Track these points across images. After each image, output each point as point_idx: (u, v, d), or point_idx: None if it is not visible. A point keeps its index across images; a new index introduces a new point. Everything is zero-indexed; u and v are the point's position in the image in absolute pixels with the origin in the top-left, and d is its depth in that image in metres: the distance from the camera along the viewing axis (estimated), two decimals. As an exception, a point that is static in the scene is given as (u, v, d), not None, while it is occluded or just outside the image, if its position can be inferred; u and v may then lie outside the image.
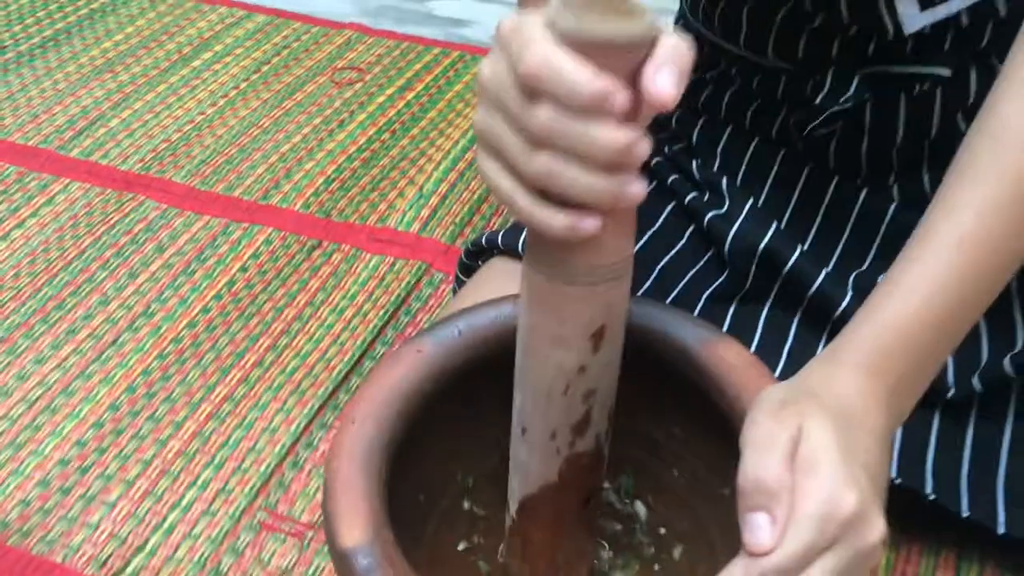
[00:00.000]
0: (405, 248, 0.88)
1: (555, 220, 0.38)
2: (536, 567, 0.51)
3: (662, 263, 0.72)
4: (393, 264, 0.88)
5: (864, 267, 0.70)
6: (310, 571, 0.66)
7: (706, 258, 0.71)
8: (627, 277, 0.44)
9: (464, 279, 0.75)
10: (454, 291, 0.79)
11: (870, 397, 0.45)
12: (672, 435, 0.59)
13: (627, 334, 0.50)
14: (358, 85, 1.05)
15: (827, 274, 0.67)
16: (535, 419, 0.47)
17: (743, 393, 0.50)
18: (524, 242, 0.66)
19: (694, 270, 0.72)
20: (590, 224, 0.38)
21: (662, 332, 0.53)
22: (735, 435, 0.50)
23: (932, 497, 0.58)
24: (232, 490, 0.71)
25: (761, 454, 0.40)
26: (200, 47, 1.16)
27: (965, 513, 0.57)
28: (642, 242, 0.71)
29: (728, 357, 0.51)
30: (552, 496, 0.49)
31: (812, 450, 0.40)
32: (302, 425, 0.75)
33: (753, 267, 0.69)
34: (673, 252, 0.71)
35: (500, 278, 0.67)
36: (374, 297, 0.85)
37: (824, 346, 0.67)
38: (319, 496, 0.71)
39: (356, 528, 0.45)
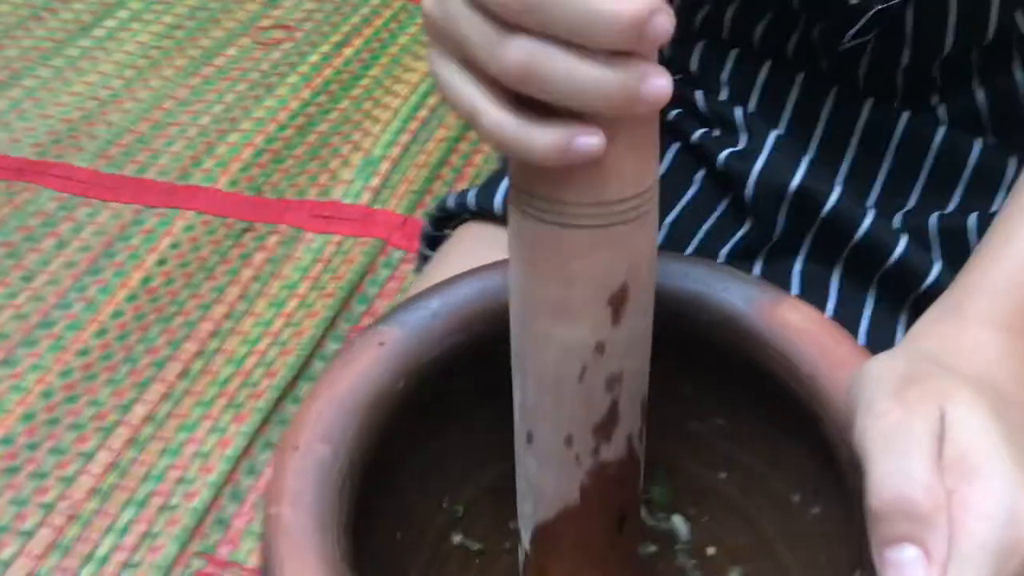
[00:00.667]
0: (354, 224, 0.76)
1: (541, 138, 0.30)
2: None
3: (670, 217, 0.61)
4: (341, 244, 0.75)
5: (911, 204, 0.59)
6: (263, 630, 0.54)
7: (723, 206, 0.60)
8: (652, 216, 0.34)
9: (430, 253, 0.63)
10: (418, 270, 0.67)
11: (1015, 361, 0.33)
12: (716, 427, 0.47)
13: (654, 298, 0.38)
14: (287, 44, 0.93)
15: (872, 216, 0.56)
16: (543, 420, 0.38)
17: (820, 367, 0.38)
18: (505, 194, 0.54)
19: (709, 222, 0.61)
20: (591, 141, 0.30)
21: (697, 294, 0.41)
22: (809, 424, 0.38)
23: None
24: (159, 534, 0.58)
25: (897, 458, 0.28)
26: (102, 14, 1.03)
27: None
28: None
29: (794, 321, 0.39)
30: (575, 521, 0.39)
31: (967, 445, 0.28)
32: (241, 447, 0.62)
33: (783, 213, 0.57)
34: (683, 202, 0.60)
35: (476, 247, 0.55)
36: (321, 284, 0.72)
37: (875, 304, 0.56)
38: (268, 534, 0.58)
39: (311, 602, 0.32)
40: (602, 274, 0.34)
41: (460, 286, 0.42)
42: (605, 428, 0.37)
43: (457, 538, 0.46)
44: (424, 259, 0.66)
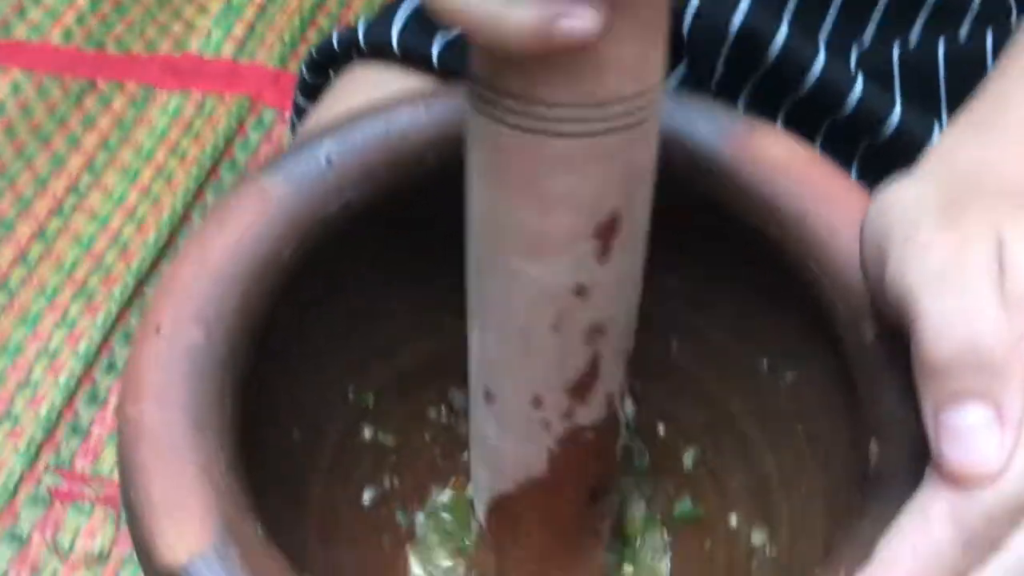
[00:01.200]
0: (217, 80, 0.66)
1: (517, 17, 0.23)
2: None
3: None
4: (202, 103, 0.65)
5: (866, 45, 0.53)
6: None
7: None
8: (654, 123, 0.29)
9: (307, 104, 0.54)
10: (293, 129, 0.59)
11: None
12: (669, 288, 0.40)
13: None
14: None
15: (824, 57, 0.50)
16: (506, 376, 0.33)
17: (809, 206, 0.32)
18: (405, 25, 0.46)
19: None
20: (582, 22, 0.23)
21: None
22: (790, 275, 0.33)
23: None
24: (0, 450, 0.49)
25: (959, 297, 0.22)
26: None
27: None
28: None
29: (774, 154, 0.33)
30: (541, 495, 0.35)
31: None
32: (96, 342, 0.54)
33: (722, 55, 0.51)
34: None
35: (368, 92, 0.47)
36: (180, 150, 0.63)
37: (822, 147, 0.51)
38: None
39: (188, 526, 0.25)
40: (589, 198, 0.28)
41: (358, 127, 0.34)
42: (581, 388, 0.32)
43: (368, 432, 0.40)
44: (299, 113, 0.57)
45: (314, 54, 0.51)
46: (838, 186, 0.32)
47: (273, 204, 0.32)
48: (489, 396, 0.34)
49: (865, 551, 0.24)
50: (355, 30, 0.48)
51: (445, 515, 0.41)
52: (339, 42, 0.49)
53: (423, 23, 0.48)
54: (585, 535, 0.37)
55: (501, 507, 0.36)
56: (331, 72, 0.52)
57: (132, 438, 0.26)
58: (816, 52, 0.51)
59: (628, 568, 0.40)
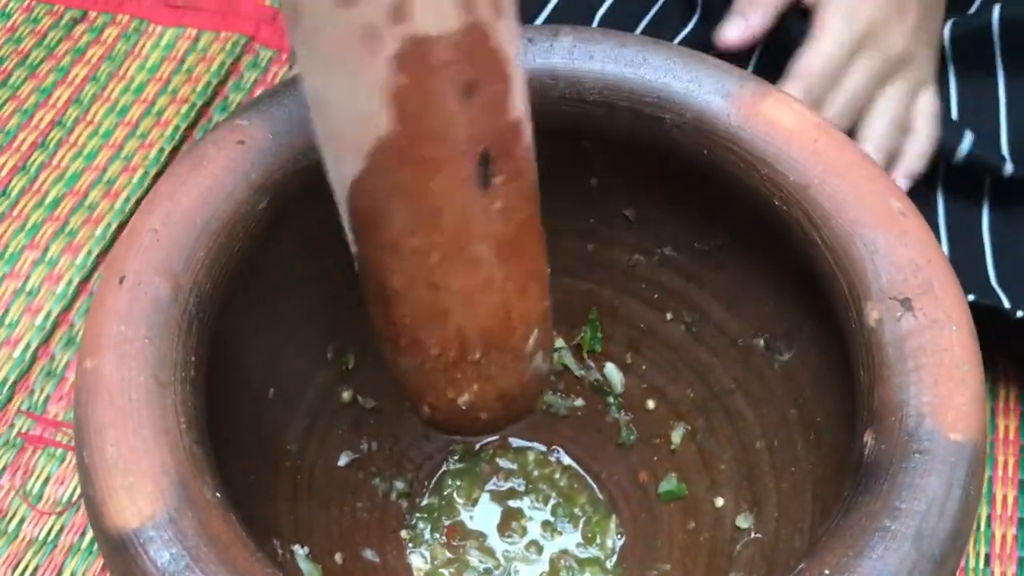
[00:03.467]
0: (212, 16, 0.64)
1: None
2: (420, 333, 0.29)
3: (600, 10, 0.52)
4: (196, 39, 0.63)
5: None
6: (107, 502, 0.45)
7: None
8: None
9: None
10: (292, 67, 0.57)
11: None
12: (665, 258, 0.40)
13: (586, 104, 0.33)
14: None
15: None
16: None
17: (814, 177, 0.31)
18: None
19: (649, 15, 0.52)
20: None
21: (658, 86, 0.33)
22: (792, 249, 0.32)
23: (1018, 314, 0.42)
24: (-28, 389, 0.49)
25: None
26: None
27: None
28: None
29: (783, 120, 0.32)
30: (397, 166, 0.25)
31: None
32: (76, 281, 0.53)
33: None
34: None
35: None
36: (172, 88, 0.61)
37: None
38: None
39: (141, 488, 0.24)
40: None
41: (346, 71, 0.33)
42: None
43: (346, 394, 0.39)
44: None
45: None
46: (848, 157, 0.31)
47: (251, 150, 0.30)
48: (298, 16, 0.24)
49: (855, 548, 0.24)
50: None
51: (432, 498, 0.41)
52: None
53: None
54: (484, 237, 0.27)
55: (359, 202, 0.27)
56: None
57: (88, 393, 0.26)
58: None
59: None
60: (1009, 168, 0.46)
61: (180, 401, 0.26)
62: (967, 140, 0.46)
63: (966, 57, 0.50)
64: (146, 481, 0.24)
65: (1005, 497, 0.46)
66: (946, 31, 0.49)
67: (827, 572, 0.23)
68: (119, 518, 0.24)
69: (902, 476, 0.25)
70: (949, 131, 0.47)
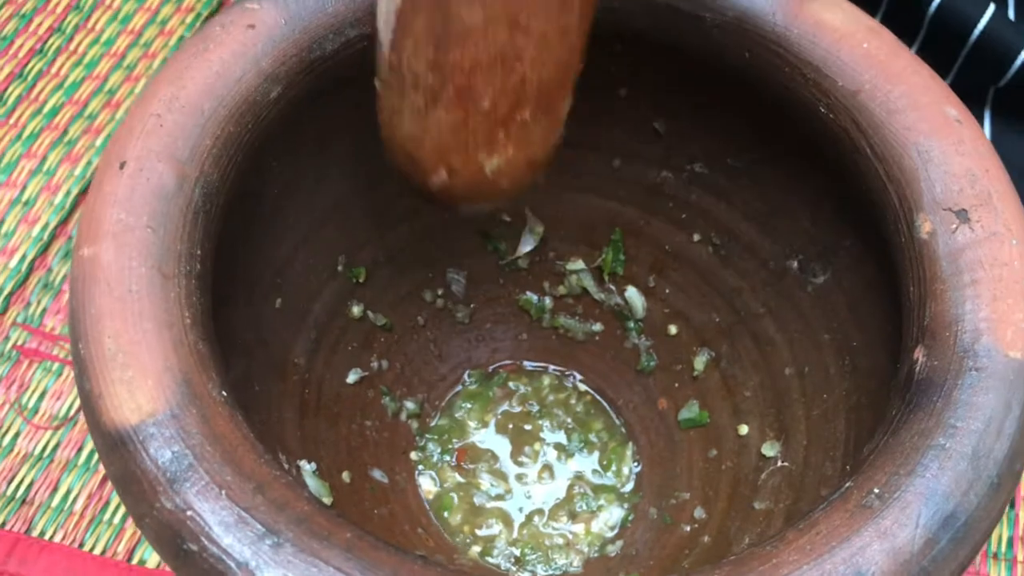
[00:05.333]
0: (220, -77, 0.61)
1: None
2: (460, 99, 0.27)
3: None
4: (203, -53, 0.61)
5: None
6: (105, 418, 0.44)
7: None
8: None
9: None
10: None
11: None
12: (694, 175, 0.38)
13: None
14: None
15: None
16: None
17: (865, 82, 0.29)
18: None
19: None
20: None
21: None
22: (838, 162, 0.30)
23: None
24: (-33, 300, 0.47)
25: None
26: None
27: None
28: None
29: (832, 21, 0.30)
30: None
31: None
32: (74, 193, 0.51)
33: None
34: None
35: None
36: (177, -4, 0.58)
37: None
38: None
39: (142, 383, 0.23)
40: None
41: (365, -42, 0.31)
42: None
43: (357, 309, 0.37)
44: None
45: None
46: (902, 61, 0.29)
47: (262, 35, 0.28)
48: None
49: (906, 466, 0.22)
50: None
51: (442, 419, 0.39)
52: None
53: None
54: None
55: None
56: None
57: (85, 282, 0.24)
58: None
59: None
60: None
61: (184, 295, 0.24)
62: None
63: None
64: (147, 376, 0.22)
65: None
66: None
67: (876, 491, 0.22)
68: (117, 414, 0.22)
69: (957, 393, 0.23)
70: (1011, 33, 0.43)
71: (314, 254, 0.36)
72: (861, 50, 0.29)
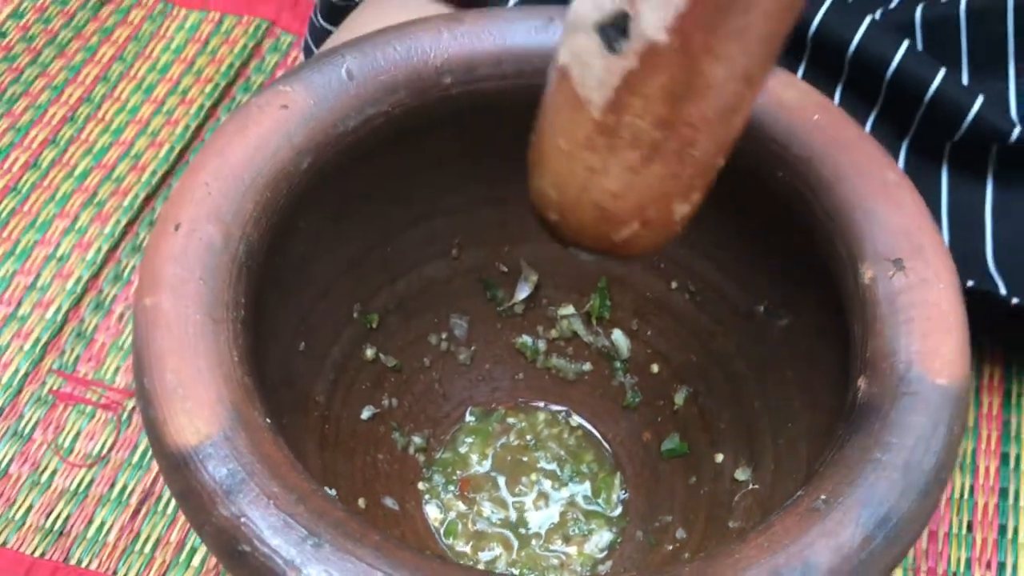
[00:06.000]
0: (236, 1, 0.66)
1: None
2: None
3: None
4: (220, 22, 0.66)
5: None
6: (135, 456, 0.48)
7: None
8: None
9: (330, 27, 0.54)
10: (307, 53, 0.59)
11: None
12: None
13: None
14: None
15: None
16: None
17: (816, 149, 0.33)
18: None
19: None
20: None
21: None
22: (792, 218, 0.34)
23: (1013, 301, 0.44)
24: (6, 348, 0.51)
25: None
26: None
27: None
28: None
29: (788, 98, 0.34)
30: None
31: None
32: (104, 249, 0.55)
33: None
34: None
35: (394, 15, 0.47)
36: (196, 68, 0.63)
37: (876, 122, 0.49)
38: (138, 349, 0.51)
39: (199, 411, 0.26)
40: None
41: (380, 45, 0.35)
42: None
43: (370, 352, 0.41)
44: (316, 35, 0.57)
45: None
46: (848, 132, 0.33)
47: (294, 114, 0.33)
48: None
49: (848, 477, 0.26)
50: None
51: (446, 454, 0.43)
52: None
53: None
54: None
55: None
56: None
57: (148, 327, 0.28)
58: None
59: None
60: (1017, 131, 0.46)
61: (232, 337, 0.28)
62: (978, 101, 0.46)
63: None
64: (203, 405, 0.26)
65: (988, 468, 0.48)
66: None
67: (823, 497, 0.26)
68: (180, 437, 0.26)
69: (893, 415, 0.27)
70: (961, 92, 0.46)
71: (333, 303, 0.39)
72: (812, 122, 0.33)
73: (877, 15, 0.51)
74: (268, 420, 0.27)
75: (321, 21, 0.55)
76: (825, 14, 0.49)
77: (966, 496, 0.47)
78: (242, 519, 0.24)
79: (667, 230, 0.30)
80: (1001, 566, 0.45)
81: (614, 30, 0.25)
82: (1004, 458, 0.48)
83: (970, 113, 0.46)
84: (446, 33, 0.35)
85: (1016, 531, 0.46)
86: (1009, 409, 0.50)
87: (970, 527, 0.46)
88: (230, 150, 0.31)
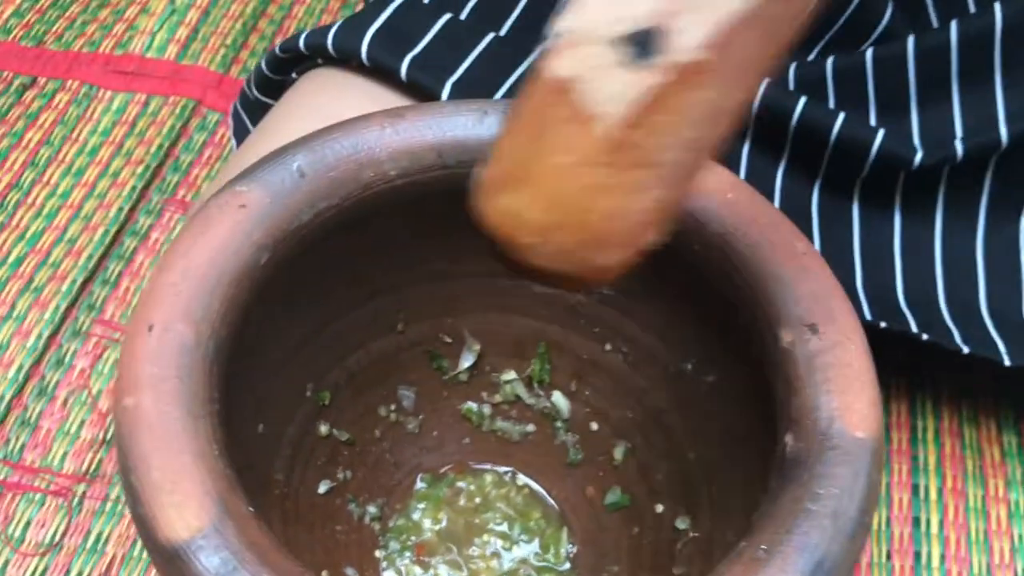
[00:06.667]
0: (161, 81, 0.68)
1: None
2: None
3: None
4: (146, 103, 0.67)
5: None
6: (89, 541, 0.48)
7: None
8: None
9: (268, 101, 0.55)
10: (237, 134, 0.60)
11: None
12: (604, 297, 0.45)
13: None
14: None
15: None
16: None
17: (728, 226, 0.36)
18: (374, 37, 0.48)
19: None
20: None
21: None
22: (712, 286, 0.37)
23: (924, 337, 0.48)
24: (-52, 441, 0.51)
25: None
26: None
27: (964, 349, 0.48)
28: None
29: (705, 181, 0.37)
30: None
31: None
32: (45, 335, 0.55)
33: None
34: None
35: (331, 94, 0.49)
36: (126, 150, 0.64)
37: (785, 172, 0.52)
38: (86, 434, 0.52)
39: (188, 505, 0.28)
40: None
41: (328, 143, 0.38)
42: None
43: (323, 428, 0.43)
44: (248, 109, 0.58)
45: (280, 52, 0.52)
46: (758, 207, 0.36)
47: (252, 213, 0.35)
48: None
49: (784, 526, 0.29)
50: (324, 33, 0.49)
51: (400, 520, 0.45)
52: (307, 44, 0.50)
53: (394, 36, 0.49)
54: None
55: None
56: (295, 73, 0.53)
57: (130, 427, 0.29)
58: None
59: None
60: (919, 156, 0.48)
61: (210, 431, 0.30)
62: (880, 134, 0.48)
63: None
64: (191, 499, 0.28)
65: (901, 500, 0.52)
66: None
67: (764, 547, 0.28)
68: (171, 531, 0.27)
69: (819, 467, 0.30)
70: (864, 129, 0.49)
71: (287, 383, 0.41)
72: (726, 199, 0.37)
73: (791, 68, 0.54)
74: (252, 509, 0.29)
75: (256, 94, 0.56)
76: None
77: (883, 527, 0.51)
78: (237, 606, 0.26)
79: (637, 257, 0.29)
80: (918, 590, 0.49)
81: (640, 44, 0.24)
82: (915, 489, 0.52)
83: (873, 147, 0.49)
84: (389, 129, 0.38)
85: (930, 556, 0.50)
86: (916, 444, 0.54)
87: (889, 556, 0.50)
88: (195, 251, 0.33)
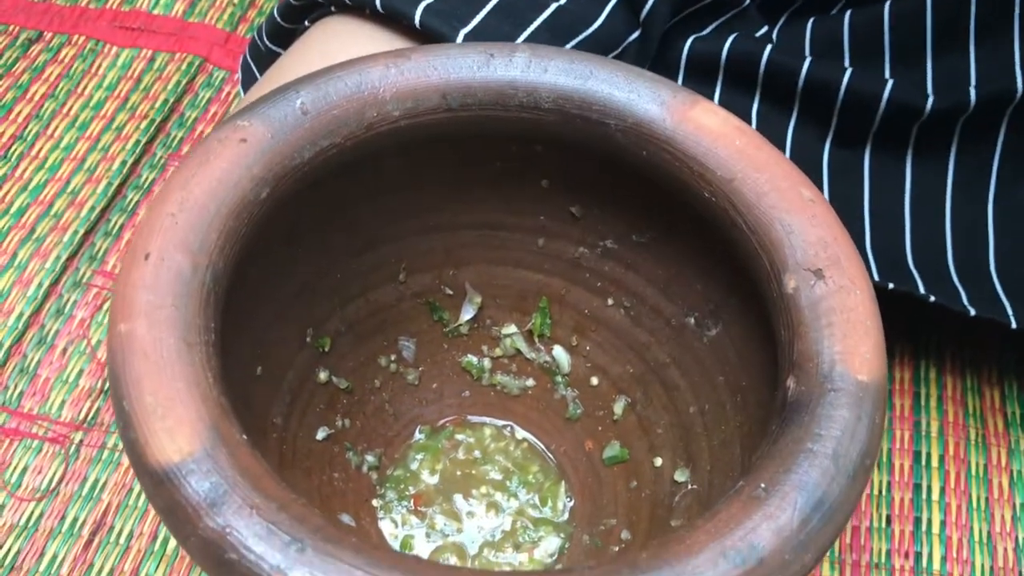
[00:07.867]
0: (167, 37, 0.67)
1: None
2: None
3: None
4: (152, 59, 0.66)
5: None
6: (85, 488, 0.48)
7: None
8: None
9: (272, 48, 0.55)
10: (246, 85, 0.60)
11: None
12: (607, 250, 0.44)
13: (540, 111, 0.38)
14: None
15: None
16: None
17: (737, 171, 0.36)
18: None
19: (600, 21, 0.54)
20: None
21: (602, 96, 0.38)
22: (720, 234, 0.37)
23: (931, 299, 0.47)
24: (-53, 386, 0.50)
25: None
26: None
27: (971, 311, 0.47)
28: None
29: (710, 124, 0.37)
30: None
31: None
32: (45, 285, 0.55)
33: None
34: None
35: (343, 41, 0.48)
36: (131, 104, 0.63)
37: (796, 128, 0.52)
38: (84, 383, 0.51)
39: (180, 430, 0.28)
40: None
41: (331, 80, 0.37)
42: None
43: (323, 375, 0.42)
44: (260, 59, 0.57)
45: (292, 1, 0.52)
46: (765, 154, 0.36)
47: (253, 147, 0.34)
48: None
49: (784, 465, 0.28)
50: None
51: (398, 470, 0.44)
52: None
53: None
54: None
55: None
56: (306, 20, 0.52)
57: (124, 352, 0.29)
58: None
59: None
60: (931, 101, 0.47)
61: (205, 359, 0.29)
62: (889, 84, 0.48)
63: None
64: (183, 424, 0.27)
65: (902, 466, 0.52)
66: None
67: (763, 485, 0.28)
68: (162, 455, 0.27)
69: (820, 409, 0.30)
70: (873, 82, 0.48)
71: (287, 327, 0.41)
72: (734, 146, 0.36)
73: (809, 24, 0.54)
74: (245, 436, 0.28)
75: (267, 43, 0.55)
76: (734, 42, 0.52)
77: (884, 492, 0.50)
78: (227, 529, 0.26)
79: None
80: (918, 555, 0.48)
81: None
82: (916, 456, 0.52)
83: (883, 97, 0.48)
84: (393, 69, 0.37)
85: (930, 523, 0.49)
86: (919, 411, 0.53)
87: (889, 520, 0.49)
88: (195, 182, 0.33)
